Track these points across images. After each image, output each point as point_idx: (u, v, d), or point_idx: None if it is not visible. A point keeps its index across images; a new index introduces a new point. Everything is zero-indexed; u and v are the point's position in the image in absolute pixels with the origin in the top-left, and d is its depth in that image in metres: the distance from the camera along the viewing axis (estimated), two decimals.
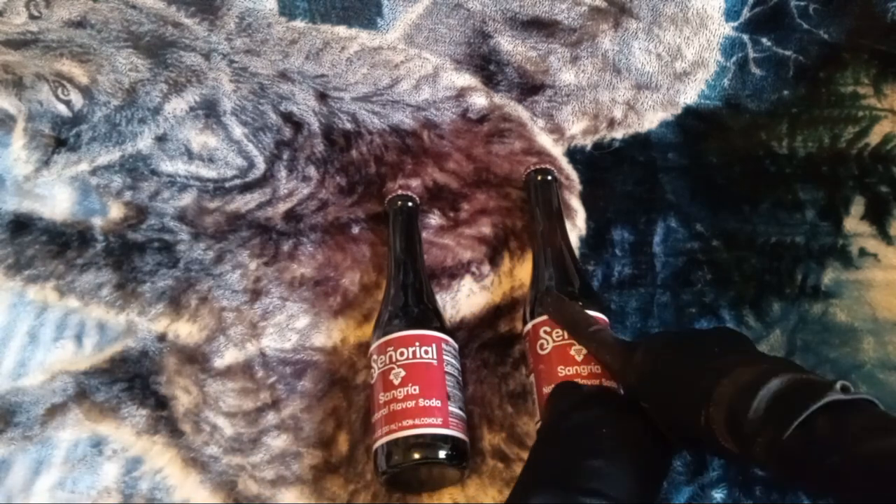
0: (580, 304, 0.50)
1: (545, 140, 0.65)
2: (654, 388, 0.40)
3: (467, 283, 0.58)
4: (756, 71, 0.66)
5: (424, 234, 0.60)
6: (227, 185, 0.63)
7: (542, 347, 0.49)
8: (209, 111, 0.65)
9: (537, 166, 0.59)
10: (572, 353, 0.47)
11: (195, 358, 0.55)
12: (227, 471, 0.50)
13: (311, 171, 0.64)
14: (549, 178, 0.59)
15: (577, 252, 0.59)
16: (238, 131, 0.65)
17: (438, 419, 0.46)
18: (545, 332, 0.49)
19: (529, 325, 0.51)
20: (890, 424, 0.32)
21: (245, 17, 0.65)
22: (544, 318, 0.50)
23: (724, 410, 0.35)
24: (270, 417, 0.52)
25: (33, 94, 0.64)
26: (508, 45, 0.67)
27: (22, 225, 0.60)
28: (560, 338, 0.48)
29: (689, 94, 0.66)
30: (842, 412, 0.32)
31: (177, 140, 0.64)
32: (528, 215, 0.59)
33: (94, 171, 0.63)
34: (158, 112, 0.65)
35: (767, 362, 0.37)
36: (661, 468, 0.41)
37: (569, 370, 0.47)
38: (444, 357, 0.49)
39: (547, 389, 0.47)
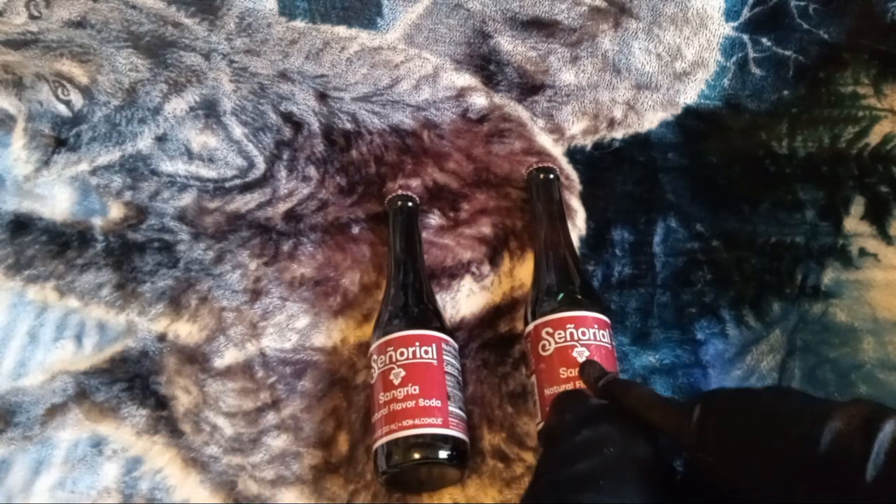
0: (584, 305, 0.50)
1: (545, 140, 0.65)
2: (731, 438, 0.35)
3: (467, 283, 0.58)
4: (756, 71, 0.66)
5: (424, 234, 0.60)
6: (227, 185, 0.63)
7: (544, 349, 0.49)
8: (209, 111, 0.65)
9: (539, 165, 0.59)
10: (574, 354, 0.47)
11: (195, 358, 0.55)
12: (227, 471, 0.50)
13: (311, 171, 0.64)
14: (552, 176, 0.59)
15: (577, 252, 0.59)
16: (238, 131, 0.65)
17: (438, 419, 0.46)
18: (547, 333, 0.49)
19: (531, 326, 0.51)
20: None
21: (245, 17, 0.65)
22: (546, 318, 0.50)
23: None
24: (270, 417, 0.52)
25: (33, 94, 0.64)
26: (508, 45, 0.67)
27: (22, 225, 0.60)
28: (562, 339, 0.48)
29: (689, 94, 0.66)
30: None
31: (177, 140, 0.64)
32: (530, 214, 0.59)
33: (94, 171, 0.63)
34: (158, 112, 0.65)
35: (870, 405, 0.33)
36: (664, 491, 0.40)
37: (571, 372, 0.47)
38: (444, 357, 0.49)
39: (549, 391, 0.47)
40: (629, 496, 0.36)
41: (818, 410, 0.32)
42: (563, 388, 0.47)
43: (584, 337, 0.48)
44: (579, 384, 0.46)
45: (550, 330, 0.49)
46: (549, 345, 0.49)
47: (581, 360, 0.47)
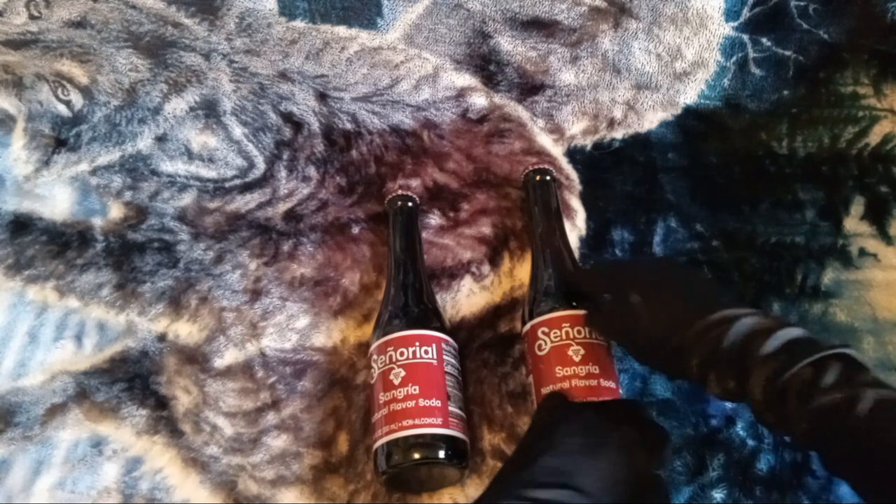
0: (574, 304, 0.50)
1: (545, 140, 0.65)
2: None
3: (467, 283, 0.58)
4: (756, 71, 0.66)
5: (424, 234, 0.60)
6: (227, 185, 0.63)
7: (540, 348, 0.49)
8: (209, 111, 0.65)
9: (536, 166, 0.59)
10: (570, 353, 0.47)
11: (195, 358, 0.55)
12: (227, 471, 0.50)
13: (311, 171, 0.64)
14: (548, 178, 0.59)
15: (577, 252, 0.59)
16: (238, 131, 0.65)
17: (438, 419, 0.46)
18: (543, 332, 0.49)
19: (528, 326, 0.51)
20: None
21: (245, 17, 0.65)
22: (543, 318, 0.50)
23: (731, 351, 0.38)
24: (270, 417, 0.52)
25: (33, 94, 0.64)
26: (508, 45, 0.67)
27: (22, 225, 0.60)
28: (558, 338, 0.48)
29: (689, 95, 0.66)
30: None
31: (177, 140, 0.64)
32: (527, 215, 0.59)
33: (94, 172, 0.63)
34: (158, 112, 0.65)
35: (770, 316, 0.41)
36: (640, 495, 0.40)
37: (567, 370, 0.47)
38: (444, 357, 0.49)
39: (545, 390, 0.47)
40: (598, 479, 0.38)
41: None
42: (558, 386, 0.47)
43: (579, 336, 0.48)
44: (575, 382, 0.46)
45: (546, 329, 0.49)
46: (545, 344, 0.49)
47: (577, 359, 0.47)
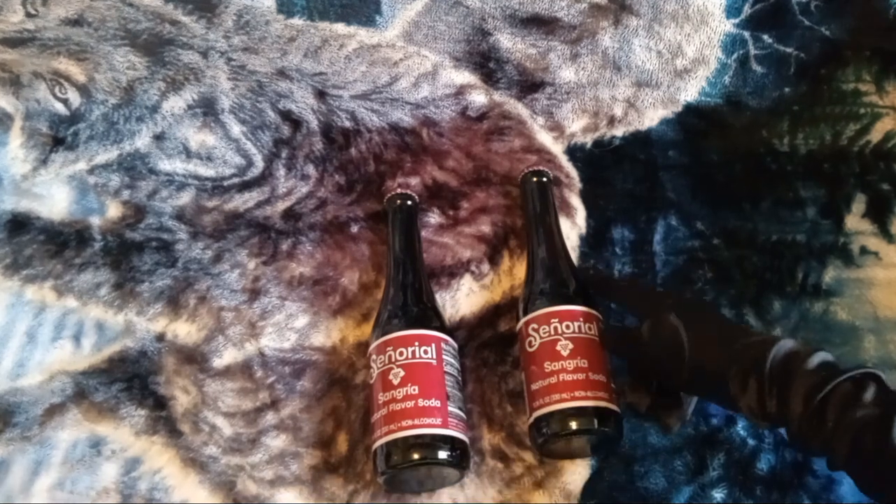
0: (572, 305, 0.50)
1: (545, 138, 0.65)
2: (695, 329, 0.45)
3: (467, 281, 0.58)
4: (757, 68, 0.65)
5: (424, 233, 0.59)
6: (225, 183, 0.63)
7: (530, 345, 0.49)
8: (207, 109, 0.65)
9: (532, 168, 0.59)
10: (558, 348, 0.47)
11: (194, 358, 0.54)
12: (226, 471, 0.50)
13: (310, 169, 0.63)
14: (545, 179, 0.59)
15: (577, 251, 0.59)
16: (236, 129, 0.65)
17: (438, 419, 0.46)
18: (533, 329, 0.49)
19: (521, 323, 0.51)
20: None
21: (243, 14, 0.65)
22: (533, 315, 0.50)
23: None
24: (269, 417, 0.52)
25: (31, 92, 0.63)
26: (508, 42, 0.66)
27: (20, 224, 0.60)
28: (547, 334, 0.48)
29: (690, 92, 0.66)
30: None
31: (175, 138, 0.64)
32: (523, 216, 0.59)
33: (91, 170, 0.63)
34: (156, 110, 0.64)
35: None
36: None
37: (555, 365, 0.47)
38: (444, 357, 0.49)
39: (534, 386, 0.47)
40: None
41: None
42: (547, 381, 0.47)
43: (567, 330, 0.48)
44: (563, 377, 0.46)
45: (536, 326, 0.49)
46: (535, 340, 0.49)
47: (565, 353, 0.47)
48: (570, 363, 0.47)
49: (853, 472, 0.38)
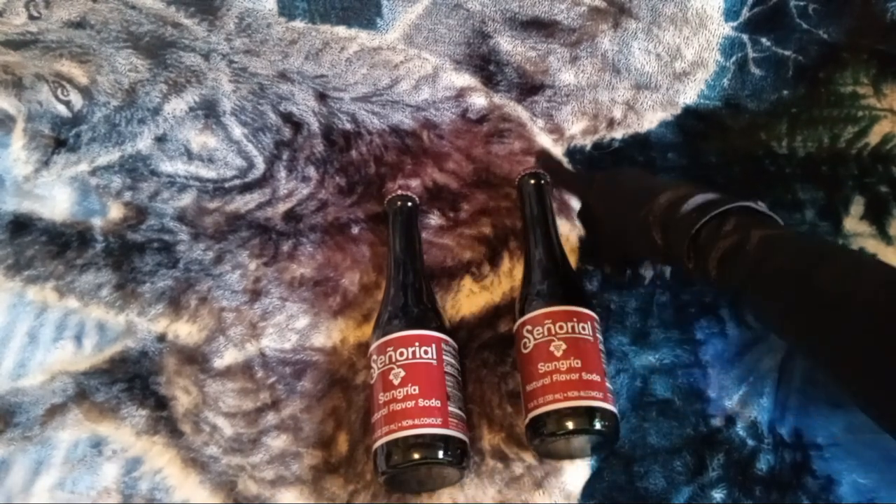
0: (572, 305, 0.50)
1: (545, 140, 0.65)
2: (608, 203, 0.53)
3: (467, 283, 0.58)
4: (755, 71, 0.66)
5: (424, 235, 0.60)
6: (226, 185, 0.63)
7: (525, 346, 0.49)
8: (209, 111, 0.65)
9: (529, 170, 0.59)
10: (552, 349, 0.48)
11: (195, 358, 0.55)
12: (226, 471, 0.50)
13: (311, 171, 0.64)
14: (542, 182, 0.59)
15: (576, 252, 0.59)
16: (238, 131, 0.65)
17: (438, 419, 0.46)
18: (527, 330, 0.49)
19: (517, 325, 0.51)
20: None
21: (244, 17, 0.65)
22: (528, 316, 0.50)
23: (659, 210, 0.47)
24: (270, 418, 0.52)
25: (33, 94, 0.64)
26: (508, 45, 0.67)
27: (22, 225, 0.60)
28: (541, 335, 0.48)
29: (689, 94, 0.66)
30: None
31: (176, 140, 0.64)
32: (521, 218, 0.59)
33: (93, 172, 0.63)
34: (158, 112, 0.65)
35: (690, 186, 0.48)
36: None
37: (548, 366, 0.47)
38: (444, 357, 0.49)
39: (529, 387, 0.48)
40: None
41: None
42: (541, 382, 0.47)
43: (561, 331, 0.48)
44: (556, 378, 0.47)
45: (530, 327, 0.49)
46: (530, 342, 0.49)
47: (558, 354, 0.47)
48: (563, 363, 0.47)
49: (732, 300, 0.44)
